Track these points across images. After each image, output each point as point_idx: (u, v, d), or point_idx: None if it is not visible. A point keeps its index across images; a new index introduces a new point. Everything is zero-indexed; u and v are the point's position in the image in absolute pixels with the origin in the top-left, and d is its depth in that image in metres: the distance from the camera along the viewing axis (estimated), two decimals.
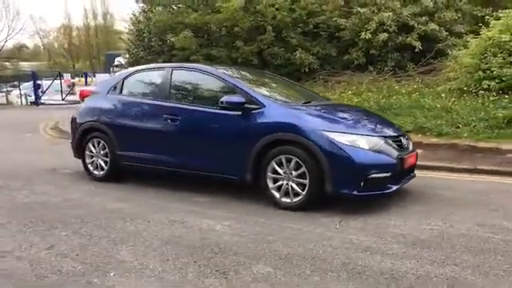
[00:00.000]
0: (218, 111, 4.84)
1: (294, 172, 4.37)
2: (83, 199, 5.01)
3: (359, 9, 13.23)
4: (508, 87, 9.04)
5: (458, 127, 7.86)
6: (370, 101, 10.25)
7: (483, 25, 10.45)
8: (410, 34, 13.22)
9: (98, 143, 5.78)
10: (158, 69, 5.78)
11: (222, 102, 4.69)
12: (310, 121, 4.45)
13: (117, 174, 5.76)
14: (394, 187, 4.39)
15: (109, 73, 22.77)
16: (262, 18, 13.88)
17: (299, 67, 13.92)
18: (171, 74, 5.35)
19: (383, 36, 12.92)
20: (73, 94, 23.79)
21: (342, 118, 4.78)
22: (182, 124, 5.04)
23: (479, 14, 13.75)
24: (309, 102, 5.17)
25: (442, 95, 9.79)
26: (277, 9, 13.49)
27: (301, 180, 4.34)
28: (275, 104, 4.74)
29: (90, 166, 5.89)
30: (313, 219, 4.14)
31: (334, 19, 13.58)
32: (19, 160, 7.58)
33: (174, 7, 14.95)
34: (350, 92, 11.54)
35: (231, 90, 4.87)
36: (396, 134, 4.76)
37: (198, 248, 3.49)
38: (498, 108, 8.31)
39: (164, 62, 15.24)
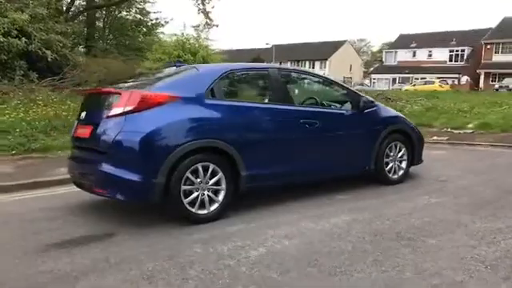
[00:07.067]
0: (347, 113, 5.08)
1: (398, 154, 5.37)
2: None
3: None
4: None
5: None
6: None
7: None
8: (31, 40, 11.94)
9: (205, 169, 3.90)
10: (258, 69, 5.11)
11: (365, 102, 5.01)
12: (400, 114, 5.72)
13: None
14: None
15: None
16: None
17: None
18: (280, 76, 4.75)
19: (21, 42, 11.13)
20: None
21: None
22: (322, 128, 4.71)
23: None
24: None
25: None
26: None
27: (401, 159, 5.43)
28: (378, 103, 5.47)
29: (188, 206, 3.82)
30: (435, 181, 5.46)
31: None
32: None
33: None
34: None
35: (342, 92, 5.29)
36: None
37: None
38: None
39: None
